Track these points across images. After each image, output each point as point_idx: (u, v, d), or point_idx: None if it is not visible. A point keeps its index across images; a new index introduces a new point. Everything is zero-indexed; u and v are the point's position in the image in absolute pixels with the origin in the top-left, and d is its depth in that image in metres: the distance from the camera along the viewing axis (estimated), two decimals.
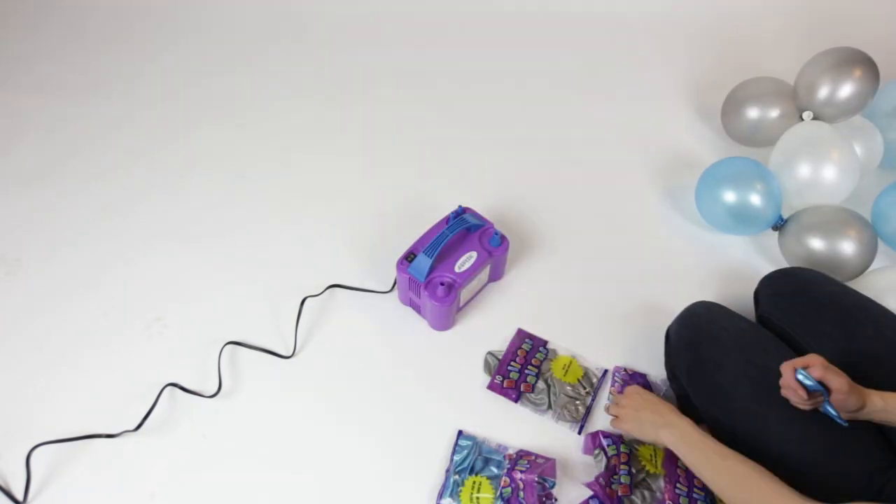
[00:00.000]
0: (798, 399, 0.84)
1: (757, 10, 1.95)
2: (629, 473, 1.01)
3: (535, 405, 1.13)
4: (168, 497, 1.02)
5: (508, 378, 1.15)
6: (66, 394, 1.13)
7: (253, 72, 1.74)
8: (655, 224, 1.44)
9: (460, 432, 1.09)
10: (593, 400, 1.14)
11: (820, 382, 0.82)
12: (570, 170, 1.53)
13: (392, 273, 1.23)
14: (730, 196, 1.29)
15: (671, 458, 1.02)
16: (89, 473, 1.04)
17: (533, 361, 1.18)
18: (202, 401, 1.12)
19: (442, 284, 1.13)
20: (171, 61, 1.76)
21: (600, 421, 1.12)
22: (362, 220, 1.40)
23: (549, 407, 1.12)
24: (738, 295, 1.22)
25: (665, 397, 1.10)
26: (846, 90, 1.32)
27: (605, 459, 1.02)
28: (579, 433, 1.10)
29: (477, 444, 1.07)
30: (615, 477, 1.00)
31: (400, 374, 1.17)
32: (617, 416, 1.02)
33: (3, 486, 1.02)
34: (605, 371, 1.18)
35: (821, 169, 1.28)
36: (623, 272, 1.33)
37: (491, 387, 1.15)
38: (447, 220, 1.20)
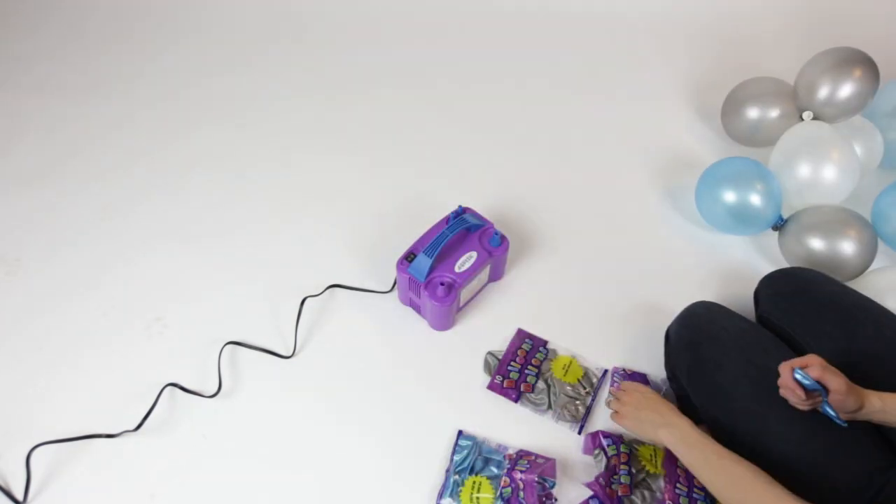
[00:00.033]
0: (796, 399, 0.84)
1: (757, 10, 1.95)
2: (629, 473, 1.01)
3: (535, 405, 1.13)
4: (168, 497, 1.02)
5: (508, 378, 1.15)
6: (66, 394, 1.13)
7: (253, 72, 1.74)
8: (655, 224, 1.44)
9: (460, 432, 1.09)
10: (593, 400, 1.14)
11: (818, 382, 0.82)
12: (570, 170, 1.53)
13: (392, 273, 1.23)
14: (730, 196, 1.29)
15: (671, 458, 1.02)
16: (89, 473, 1.04)
17: (533, 361, 1.18)
18: (202, 401, 1.12)
19: (442, 284, 1.13)
20: (171, 61, 1.76)
21: (600, 421, 1.12)
22: (362, 220, 1.40)
23: (549, 407, 1.12)
24: (738, 295, 1.22)
25: (665, 397, 1.10)
26: (846, 90, 1.32)
27: (605, 459, 1.02)
28: (579, 433, 1.10)
29: (477, 444, 1.07)
30: (615, 477, 1.00)
31: (400, 374, 1.17)
32: (617, 412, 1.02)
33: (3, 486, 1.02)
34: (605, 371, 1.18)
35: (821, 169, 1.28)
36: (623, 272, 1.33)
37: (491, 387, 1.15)
38: (447, 220, 1.20)
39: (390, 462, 1.07)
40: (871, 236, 1.23)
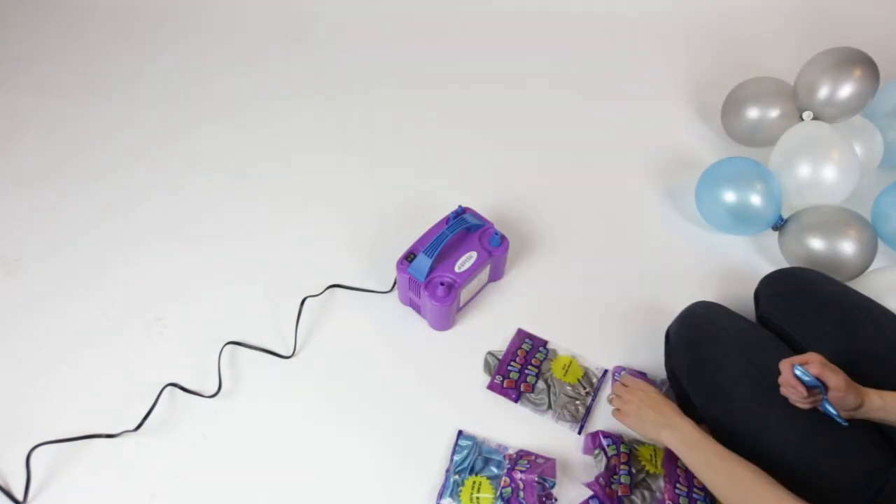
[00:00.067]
0: (797, 396, 0.84)
1: (757, 10, 1.95)
2: (629, 473, 1.01)
3: (535, 405, 1.13)
4: (168, 497, 1.02)
5: (508, 378, 1.15)
6: (66, 394, 1.13)
7: (253, 72, 1.74)
8: (655, 224, 1.43)
9: (460, 432, 1.09)
10: (593, 400, 1.14)
11: (818, 380, 0.82)
12: (570, 170, 1.53)
13: (392, 273, 1.23)
14: (730, 196, 1.29)
15: (671, 458, 1.02)
16: (89, 473, 1.04)
17: (533, 361, 1.18)
18: (202, 401, 1.12)
19: (442, 284, 1.13)
20: (171, 61, 1.76)
21: (600, 421, 1.12)
22: (362, 220, 1.40)
23: (549, 407, 1.12)
24: (738, 295, 1.22)
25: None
26: (846, 90, 1.32)
27: (604, 459, 1.02)
28: (579, 433, 1.10)
29: (477, 444, 1.07)
30: (615, 477, 1.00)
31: (400, 374, 1.17)
32: (619, 410, 1.02)
33: (3, 486, 1.02)
34: (605, 371, 1.18)
35: (821, 169, 1.28)
36: (623, 272, 1.33)
37: (491, 387, 1.15)
38: (447, 220, 1.20)
39: (390, 462, 1.07)
40: (871, 236, 1.23)
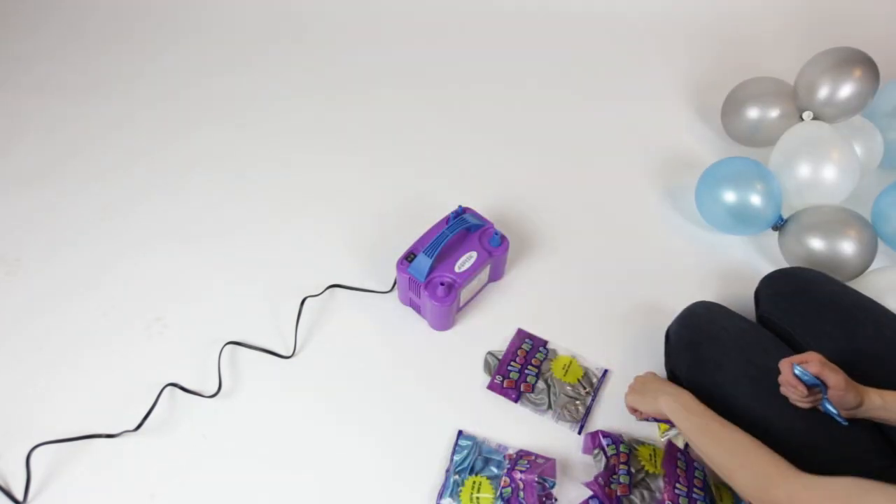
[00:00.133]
0: (797, 395, 0.84)
1: (757, 10, 1.95)
2: (628, 473, 1.01)
3: (535, 405, 1.13)
4: (168, 497, 1.02)
5: (508, 378, 1.15)
6: (66, 394, 1.13)
7: (253, 72, 1.74)
8: (655, 224, 1.43)
9: (460, 432, 1.09)
10: (593, 400, 1.14)
11: (818, 379, 0.82)
12: (570, 170, 1.53)
13: (392, 273, 1.23)
14: (730, 196, 1.29)
15: (671, 458, 1.02)
16: (89, 473, 1.04)
17: (533, 361, 1.18)
18: (202, 401, 1.12)
19: (442, 284, 1.13)
20: (171, 61, 1.76)
21: (600, 421, 1.12)
22: (362, 220, 1.40)
23: (549, 407, 1.12)
24: (738, 295, 1.22)
25: None
26: (846, 90, 1.32)
27: (604, 459, 1.02)
28: (579, 433, 1.10)
29: (477, 444, 1.07)
30: (614, 476, 1.00)
31: (400, 374, 1.17)
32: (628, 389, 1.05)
33: (3, 486, 1.02)
34: (606, 371, 1.18)
35: (821, 169, 1.28)
36: (623, 272, 1.33)
37: (491, 387, 1.15)
38: (447, 220, 1.20)
39: (390, 462, 1.07)
40: (871, 236, 1.23)
